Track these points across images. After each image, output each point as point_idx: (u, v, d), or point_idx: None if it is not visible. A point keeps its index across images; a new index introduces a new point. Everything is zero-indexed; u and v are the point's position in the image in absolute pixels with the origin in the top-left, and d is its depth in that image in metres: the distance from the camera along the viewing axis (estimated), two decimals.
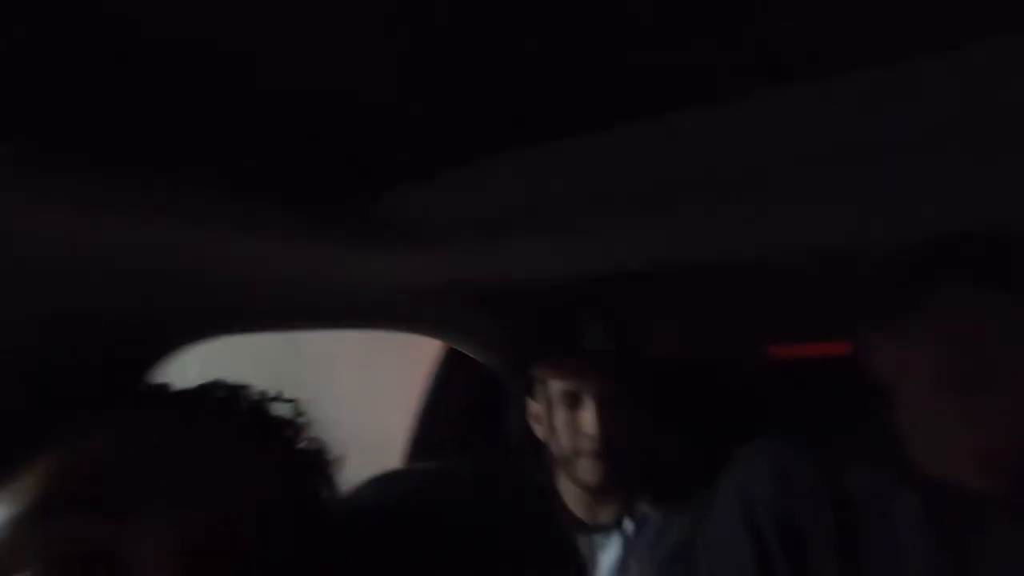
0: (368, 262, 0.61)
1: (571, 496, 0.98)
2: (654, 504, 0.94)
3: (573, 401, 0.93)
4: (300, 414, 0.43)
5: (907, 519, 0.64)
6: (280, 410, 0.42)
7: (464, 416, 1.07)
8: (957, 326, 0.59)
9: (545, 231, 0.55)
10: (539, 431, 0.99)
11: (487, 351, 1.00)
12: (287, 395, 0.44)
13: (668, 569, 0.88)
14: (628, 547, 0.93)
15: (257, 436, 0.39)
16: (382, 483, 0.50)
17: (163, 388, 0.42)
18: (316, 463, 0.42)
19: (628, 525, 0.94)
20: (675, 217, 0.51)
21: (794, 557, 0.69)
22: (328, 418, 0.42)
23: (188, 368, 0.51)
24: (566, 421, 0.93)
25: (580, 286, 0.85)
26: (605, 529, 0.96)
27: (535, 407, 0.99)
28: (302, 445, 0.41)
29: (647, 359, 0.96)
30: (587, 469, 0.92)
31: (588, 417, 0.90)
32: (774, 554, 0.70)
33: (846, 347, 0.96)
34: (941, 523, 0.63)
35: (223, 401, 0.41)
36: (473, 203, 0.52)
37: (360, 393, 3.69)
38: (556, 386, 0.95)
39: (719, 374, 1.05)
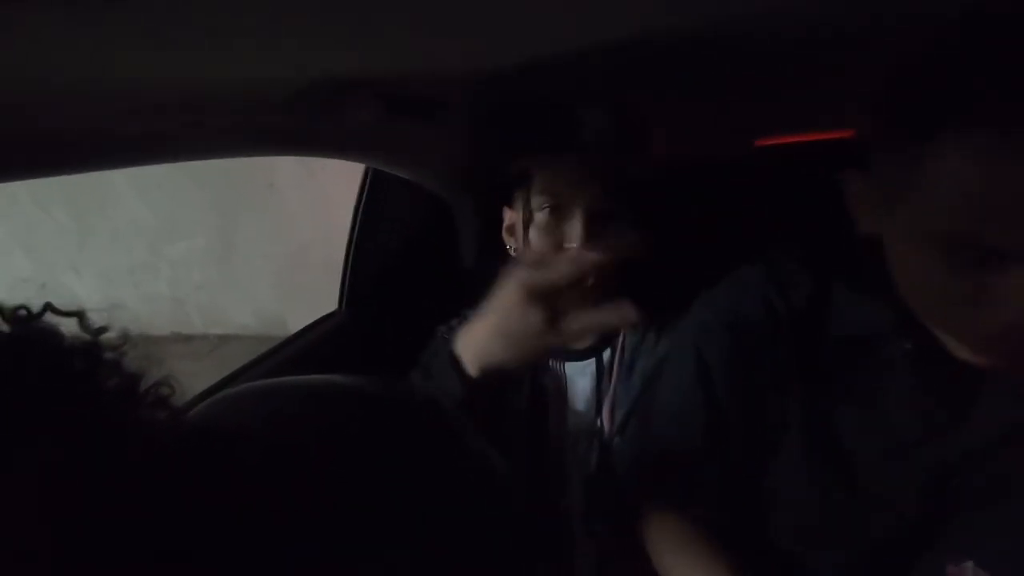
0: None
1: None
2: (629, 331, 0.87)
3: (558, 211, 0.80)
4: (91, 331, 0.32)
5: (894, 364, 0.57)
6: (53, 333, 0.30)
7: (404, 244, 0.94)
8: (966, 185, 0.42)
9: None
10: (511, 245, 0.87)
11: (425, 167, 0.84)
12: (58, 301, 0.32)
13: (626, 423, 0.84)
14: (602, 373, 0.88)
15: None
16: (237, 402, 0.39)
17: None
18: (122, 397, 0.30)
19: (605, 351, 0.88)
20: None
21: (752, 417, 0.64)
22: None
23: None
24: (547, 233, 0.81)
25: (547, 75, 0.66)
26: (578, 356, 0.89)
27: (511, 217, 0.86)
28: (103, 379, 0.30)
29: (643, 162, 0.82)
30: None
31: (575, 228, 0.78)
32: (730, 416, 0.65)
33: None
34: (934, 372, 0.54)
35: None
36: None
37: (305, 206, 3.62)
38: (540, 193, 0.81)
39: (706, 176, 0.92)
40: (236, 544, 0.30)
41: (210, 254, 3.94)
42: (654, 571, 0.69)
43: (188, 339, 4.11)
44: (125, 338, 0.33)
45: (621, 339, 0.87)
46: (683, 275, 0.80)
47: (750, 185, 0.97)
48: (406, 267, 1.13)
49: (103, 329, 0.32)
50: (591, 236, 0.77)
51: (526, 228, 0.83)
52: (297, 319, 1.16)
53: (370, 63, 0.56)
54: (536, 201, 0.81)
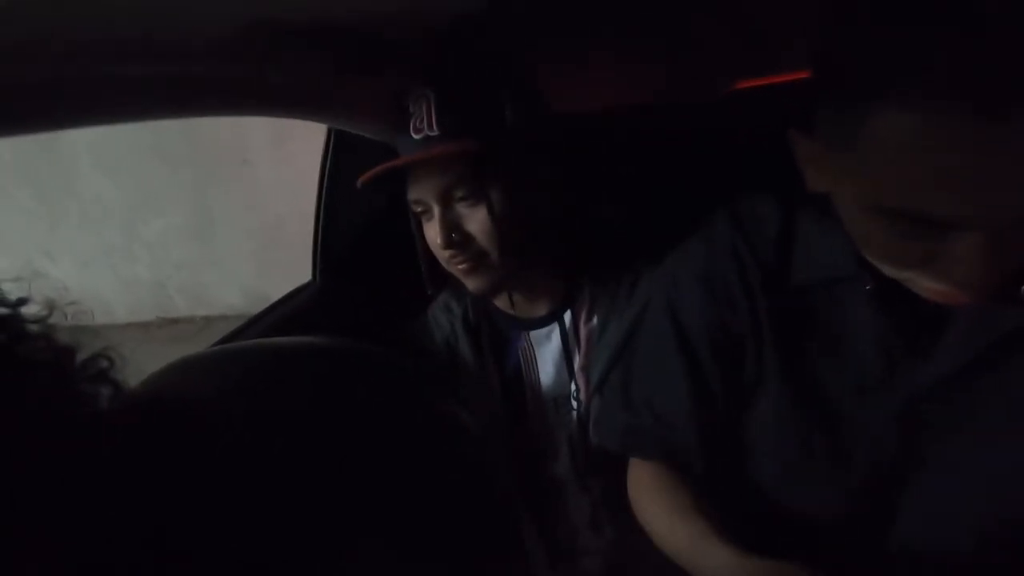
0: None
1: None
2: (594, 289, 0.86)
3: (425, 208, 0.78)
4: (8, 303, 0.29)
5: (857, 303, 0.57)
6: None
7: (374, 210, 0.92)
8: (905, 163, 0.41)
9: None
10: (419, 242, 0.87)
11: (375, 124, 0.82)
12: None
13: (603, 381, 0.83)
14: (567, 339, 0.87)
15: None
16: (188, 369, 0.37)
17: None
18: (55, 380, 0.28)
19: (567, 316, 0.87)
20: None
21: (729, 367, 0.64)
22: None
23: None
24: (429, 230, 0.78)
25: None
26: (541, 323, 0.88)
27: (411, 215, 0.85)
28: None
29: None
30: (461, 278, 0.80)
31: (433, 228, 0.76)
32: (707, 369, 0.65)
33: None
34: (896, 309, 0.55)
35: None
36: None
37: (279, 180, 3.55)
38: (409, 192, 0.78)
39: (660, 119, 0.89)
40: (193, 515, 0.29)
41: (188, 232, 3.86)
42: None
43: (174, 322, 4.07)
44: (51, 308, 0.31)
45: (588, 301, 0.86)
46: (651, 231, 0.79)
47: (714, 133, 0.95)
48: (377, 234, 1.10)
49: (22, 300, 0.30)
50: (450, 234, 0.75)
51: (420, 227, 0.81)
52: (280, 294, 1.14)
53: (318, 10, 0.54)
54: (412, 207, 0.79)
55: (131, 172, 3.72)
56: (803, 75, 0.82)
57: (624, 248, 0.87)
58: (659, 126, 0.95)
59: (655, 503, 0.68)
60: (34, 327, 0.29)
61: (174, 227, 3.86)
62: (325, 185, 1.02)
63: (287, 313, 1.00)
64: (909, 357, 0.56)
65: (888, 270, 0.51)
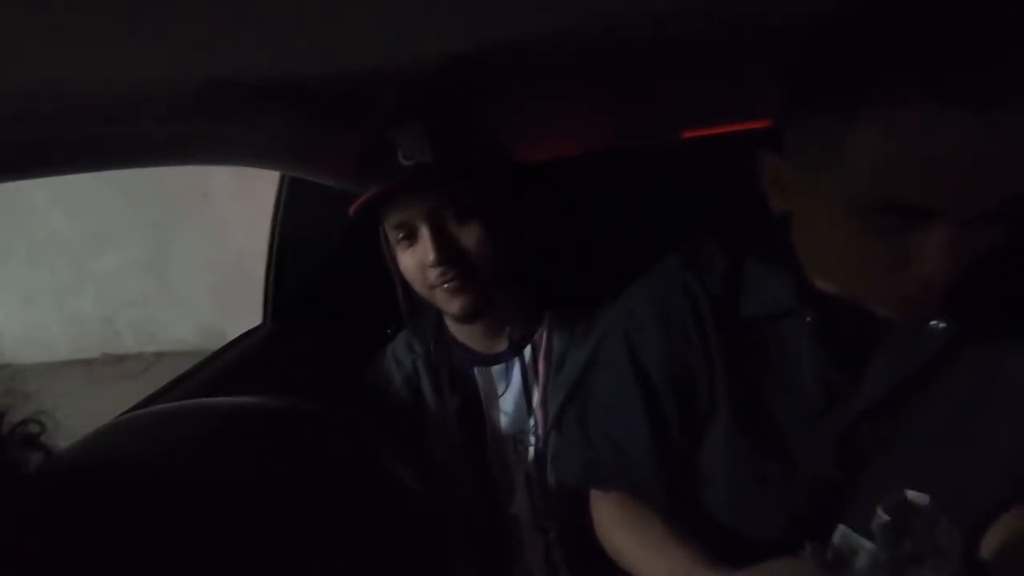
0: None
1: (458, 329, 0.90)
2: (554, 324, 0.87)
3: (409, 232, 0.79)
4: None
5: (799, 336, 0.61)
6: None
7: (328, 253, 0.91)
8: (889, 153, 0.45)
9: None
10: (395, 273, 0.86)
11: (342, 174, 0.82)
12: None
13: (561, 416, 0.84)
14: (527, 375, 0.88)
15: None
16: (131, 429, 0.36)
17: None
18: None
19: (526, 351, 0.88)
20: None
21: (685, 400, 0.66)
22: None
23: None
24: (409, 256, 0.80)
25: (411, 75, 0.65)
26: (501, 358, 0.89)
27: (384, 247, 0.85)
28: None
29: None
30: (445, 301, 0.82)
31: (424, 247, 0.78)
32: (664, 402, 0.67)
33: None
34: (833, 340, 0.59)
35: None
36: None
37: (240, 215, 3.49)
38: (388, 220, 0.80)
39: (620, 164, 0.92)
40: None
41: (142, 268, 3.75)
42: (606, 559, 0.70)
43: (120, 359, 3.91)
44: None
45: (547, 335, 0.88)
46: (610, 266, 0.81)
47: (668, 176, 0.98)
48: (332, 273, 1.10)
49: None
50: (443, 249, 0.77)
51: (394, 259, 0.83)
52: (236, 331, 1.11)
53: (283, 67, 0.55)
54: (392, 235, 0.81)
55: (87, 206, 3.62)
56: (753, 126, 0.87)
57: (582, 285, 0.89)
58: (616, 170, 0.99)
59: (626, 535, 0.68)
60: None
61: (129, 262, 3.75)
62: (278, 225, 1.01)
63: (237, 356, 0.98)
64: (843, 386, 0.59)
65: (848, 282, 0.55)
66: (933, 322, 0.56)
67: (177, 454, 0.33)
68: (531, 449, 0.87)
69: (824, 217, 0.52)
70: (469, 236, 0.78)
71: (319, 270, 1.09)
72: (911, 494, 0.53)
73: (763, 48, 0.66)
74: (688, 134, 0.96)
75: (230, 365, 0.94)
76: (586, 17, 0.53)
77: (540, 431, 0.86)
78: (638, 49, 0.66)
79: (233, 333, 1.08)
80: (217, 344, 1.07)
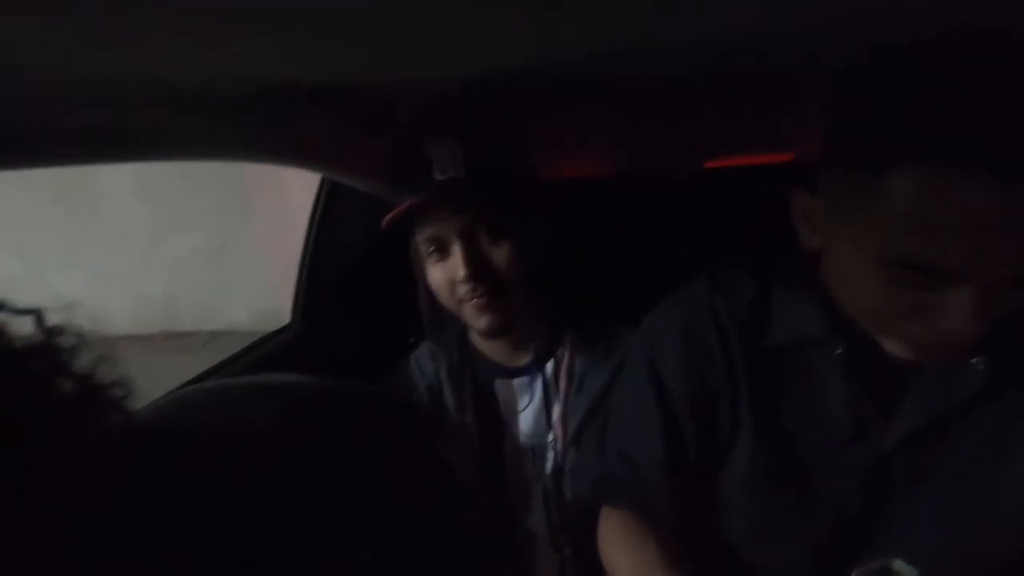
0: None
1: (482, 342, 0.91)
2: (576, 342, 0.88)
3: (441, 246, 0.80)
4: (46, 331, 0.31)
5: (828, 367, 0.60)
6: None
7: (361, 258, 0.94)
8: (917, 211, 0.45)
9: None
10: (422, 284, 0.88)
11: (378, 180, 0.85)
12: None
13: (581, 432, 0.84)
14: (548, 389, 0.88)
15: None
16: (193, 402, 0.38)
17: None
18: (84, 399, 0.30)
19: (548, 366, 0.88)
20: None
21: (704, 421, 0.66)
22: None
23: None
24: (439, 270, 0.81)
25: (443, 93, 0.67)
26: (523, 372, 0.90)
27: (414, 258, 0.87)
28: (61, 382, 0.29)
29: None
30: (473, 316, 0.82)
31: (455, 262, 0.78)
32: (683, 422, 0.67)
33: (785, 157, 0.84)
34: (864, 373, 0.59)
35: None
36: None
37: (306, 208, 3.59)
38: (420, 233, 0.81)
39: (645, 190, 0.92)
40: (191, 544, 0.30)
41: (206, 253, 3.92)
42: None
43: (179, 336, 4.11)
44: (80, 338, 0.31)
45: (570, 352, 0.88)
46: (634, 289, 0.81)
47: (698, 201, 0.97)
48: (361, 280, 1.12)
49: (59, 329, 0.31)
50: (474, 266, 0.78)
51: (423, 271, 0.84)
52: (288, 317, 1.16)
53: (324, 72, 0.57)
54: (423, 248, 0.82)
55: (160, 193, 3.80)
56: (781, 159, 0.85)
57: (608, 303, 0.89)
58: (647, 194, 0.98)
59: (622, 554, 0.69)
60: (64, 356, 0.30)
61: (195, 247, 3.92)
62: (314, 229, 1.04)
63: (264, 355, 1.00)
64: (874, 419, 0.59)
65: (875, 323, 0.55)
66: (973, 360, 0.56)
67: (247, 426, 0.35)
68: (549, 464, 0.88)
69: (852, 260, 0.53)
70: (500, 254, 0.79)
71: (349, 274, 1.11)
72: (897, 564, 0.53)
73: (789, 90, 0.65)
74: (710, 164, 0.94)
75: (257, 363, 0.96)
76: (612, 47, 0.54)
77: (559, 446, 0.87)
78: (659, 80, 0.66)
79: (287, 318, 1.12)
80: (270, 327, 1.11)
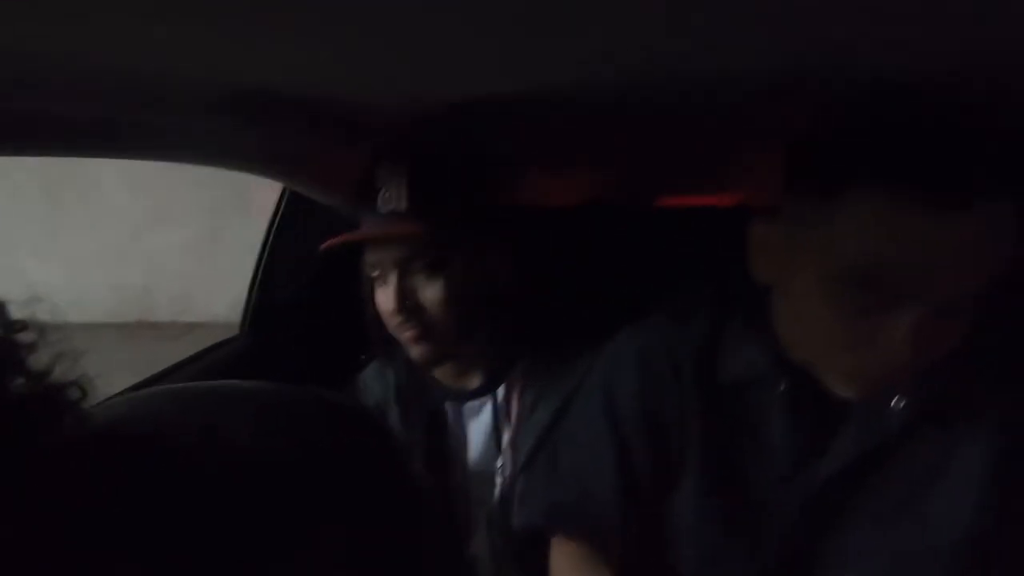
0: None
1: None
2: (529, 367, 0.87)
3: (381, 272, 0.80)
4: (6, 325, 0.30)
5: (771, 403, 0.63)
6: None
7: (311, 276, 0.93)
8: (871, 237, 0.50)
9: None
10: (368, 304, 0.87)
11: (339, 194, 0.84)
12: None
13: (532, 458, 0.83)
14: (498, 414, 0.87)
15: None
16: (142, 403, 0.38)
17: None
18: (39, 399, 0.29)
19: (500, 390, 0.87)
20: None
21: (657, 452, 0.68)
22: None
23: None
24: (381, 294, 0.81)
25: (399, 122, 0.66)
26: (473, 396, 0.89)
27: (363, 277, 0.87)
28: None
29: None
30: (407, 346, 0.82)
31: (388, 294, 0.79)
32: (636, 452, 0.68)
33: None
34: (804, 410, 0.62)
35: None
36: None
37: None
38: (367, 263, 0.81)
39: (602, 223, 0.92)
40: (137, 545, 0.29)
41: (190, 247, 3.91)
42: None
43: (154, 326, 4.09)
44: (41, 333, 0.31)
45: (522, 378, 0.87)
46: (588, 317, 0.81)
47: (659, 233, 0.98)
48: (313, 296, 1.11)
49: (19, 324, 0.31)
50: (404, 300, 0.78)
51: (370, 292, 0.84)
52: None
53: (299, 80, 0.57)
54: (368, 269, 0.82)
55: (150, 185, 3.79)
56: (731, 200, 0.85)
57: (562, 330, 0.88)
58: (609, 224, 0.98)
59: None
60: (20, 354, 0.30)
61: (177, 240, 3.90)
62: (270, 241, 1.03)
63: (209, 365, 0.99)
64: (810, 454, 0.62)
65: (818, 358, 0.58)
66: (895, 400, 0.59)
67: (212, 432, 0.35)
68: (497, 490, 0.87)
69: (804, 288, 0.56)
70: (432, 292, 0.78)
71: (302, 287, 1.11)
72: None
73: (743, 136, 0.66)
74: (664, 202, 0.95)
75: (202, 373, 0.95)
76: (561, 81, 0.54)
77: (508, 472, 0.86)
78: (610, 118, 0.65)
79: None
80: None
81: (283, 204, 1.04)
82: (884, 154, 0.49)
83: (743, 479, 0.64)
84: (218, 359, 1.02)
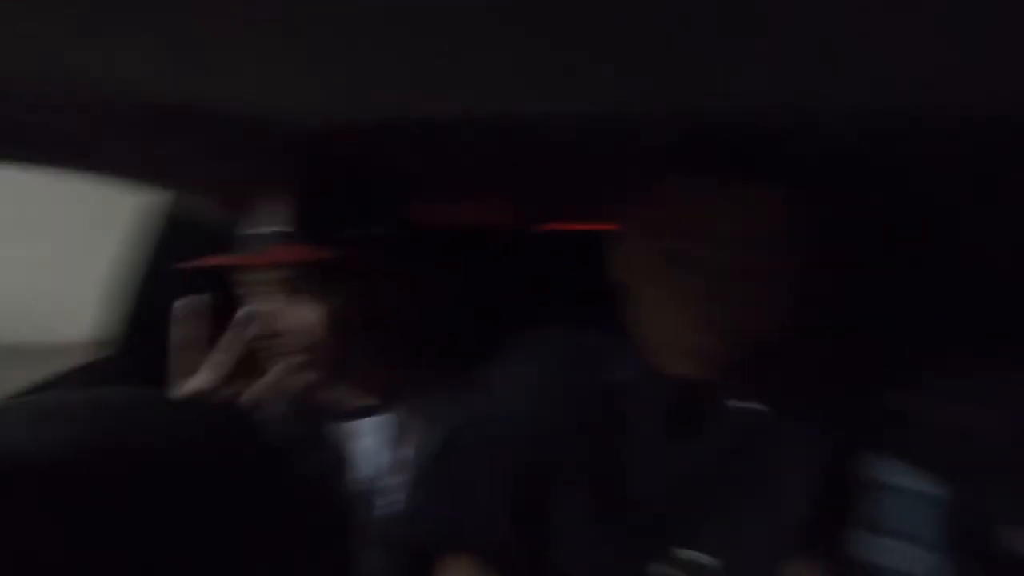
0: None
1: None
2: (421, 384, 0.88)
3: (262, 291, 0.80)
4: None
5: (642, 406, 0.68)
6: None
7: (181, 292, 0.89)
8: (678, 218, 0.61)
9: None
10: None
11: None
12: None
13: (421, 475, 0.84)
14: (386, 432, 0.88)
15: None
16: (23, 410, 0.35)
17: None
18: None
19: (389, 408, 0.88)
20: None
21: (548, 465, 0.70)
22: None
23: None
24: (259, 317, 0.81)
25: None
26: (366, 412, 0.89)
27: None
28: None
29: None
30: (293, 371, 0.82)
31: (268, 315, 0.79)
32: (526, 465, 0.70)
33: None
34: (671, 415, 0.68)
35: None
36: None
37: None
38: (243, 278, 0.81)
39: (492, 246, 0.97)
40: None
41: (48, 263, 3.56)
42: None
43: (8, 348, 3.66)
44: None
45: (414, 395, 0.88)
46: (480, 337, 0.84)
47: (545, 256, 1.05)
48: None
49: None
50: (280, 323, 0.78)
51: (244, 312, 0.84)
52: None
53: (205, 93, 0.56)
54: (242, 288, 0.82)
55: (5, 196, 3.41)
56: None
57: (451, 349, 0.90)
58: (493, 248, 1.03)
59: None
60: None
61: (34, 255, 3.55)
62: (138, 256, 0.98)
63: (76, 385, 0.94)
64: (673, 456, 0.68)
65: (655, 338, 0.65)
66: (732, 402, 0.67)
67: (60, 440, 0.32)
68: (386, 506, 0.87)
69: (636, 268, 0.65)
70: (308, 316, 0.78)
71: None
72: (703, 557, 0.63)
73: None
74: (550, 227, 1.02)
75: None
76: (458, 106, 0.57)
77: (397, 488, 0.86)
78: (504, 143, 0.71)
79: None
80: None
81: (150, 218, 0.98)
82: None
83: (624, 481, 0.69)
84: (85, 379, 0.96)
